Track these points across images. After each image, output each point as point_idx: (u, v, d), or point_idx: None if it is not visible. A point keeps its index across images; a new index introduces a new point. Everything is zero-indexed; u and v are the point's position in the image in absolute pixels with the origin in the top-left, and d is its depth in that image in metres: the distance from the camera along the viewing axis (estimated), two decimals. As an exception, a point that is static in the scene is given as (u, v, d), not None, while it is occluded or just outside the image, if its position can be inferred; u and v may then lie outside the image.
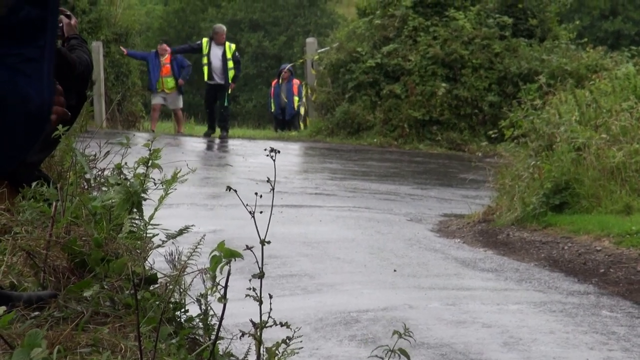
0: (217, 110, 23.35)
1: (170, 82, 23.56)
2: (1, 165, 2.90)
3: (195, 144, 22.07)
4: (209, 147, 22.08)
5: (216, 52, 22.66)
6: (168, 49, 23.94)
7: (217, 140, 23.03)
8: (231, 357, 3.53)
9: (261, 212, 3.29)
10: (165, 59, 23.52)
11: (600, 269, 10.36)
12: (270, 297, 3.29)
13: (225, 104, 23.07)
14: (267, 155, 3.25)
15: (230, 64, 22.65)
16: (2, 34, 2.72)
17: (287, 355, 3.39)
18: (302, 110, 25.70)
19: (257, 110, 39.57)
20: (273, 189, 3.25)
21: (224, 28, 23.50)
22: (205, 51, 22.75)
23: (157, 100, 23.87)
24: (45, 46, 2.80)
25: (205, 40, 23.13)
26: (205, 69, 22.83)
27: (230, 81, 22.76)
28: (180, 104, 24.17)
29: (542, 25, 24.86)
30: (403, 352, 3.15)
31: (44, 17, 2.79)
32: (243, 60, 36.72)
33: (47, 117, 2.81)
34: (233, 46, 23.13)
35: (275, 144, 20.71)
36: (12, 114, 2.73)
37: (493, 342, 7.60)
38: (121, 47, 24.23)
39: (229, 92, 23.09)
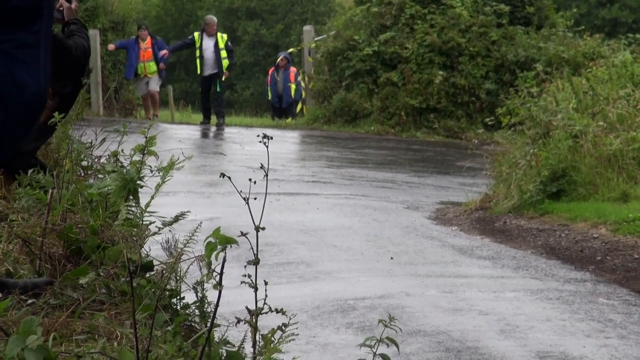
0: (211, 98, 23.33)
1: (152, 66, 23.55)
2: None
3: (191, 132, 22.05)
4: (206, 135, 22.07)
5: (208, 44, 22.67)
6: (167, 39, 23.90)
7: (214, 128, 23.01)
8: (227, 345, 3.52)
9: (255, 199, 3.28)
10: (147, 43, 23.50)
11: (597, 256, 10.37)
12: (266, 283, 3.29)
13: (218, 89, 22.99)
14: (260, 142, 3.25)
15: (223, 54, 22.64)
16: None
17: (283, 341, 3.39)
18: (303, 94, 25.64)
19: (255, 98, 39.53)
20: (266, 175, 3.24)
21: (214, 19, 23.45)
22: (197, 44, 22.77)
23: (143, 91, 23.87)
24: (40, 31, 2.79)
25: (196, 33, 23.14)
26: (198, 61, 22.86)
27: (224, 70, 22.73)
28: (157, 87, 24.14)
29: (539, 12, 24.83)
30: (391, 340, 3.14)
31: (39, 2, 2.79)
32: (240, 49, 36.68)
33: (44, 104, 2.81)
34: (225, 36, 23.11)
35: (273, 132, 20.61)
36: (9, 102, 2.72)
37: (490, 330, 7.60)
38: (108, 46, 24.13)
39: (222, 79, 23.02)
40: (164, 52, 23.72)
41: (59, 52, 5.65)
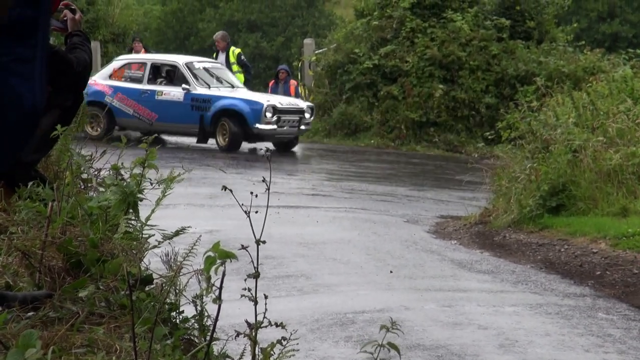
0: None
1: None
2: None
3: (193, 144, 22.04)
4: (207, 147, 22.05)
5: (221, 59, 22.70)
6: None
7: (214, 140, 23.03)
8: (227, 358, 3.52)
9: (257, 212, 3.28)
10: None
11: (597, 271, 10.36)
12: (266, 297, 3.28)
13: None
14: (263, 155, 3.27)
15: (235, 68, 22.59)
16: None
17: (283, 356, 3.38)
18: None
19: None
20: (268, 189, 3.25)
21: (220, 34, 23.42)
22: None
23: None
24: (37, 46, 2.80)
25: (215, 53, 23.34)
26: None
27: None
28: None
29: (539, 27, 24.88)
30: (392, 345, 3.12)
31: (36, 17, 2.80)
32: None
33: (39, 117, 2.82)
34: (237, 50, 23.08)
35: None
36: (5, 114, 2.73)
37: (489, 344, 7.59)
38: None
39: None
40: None
41: (61, 66, 5.65)
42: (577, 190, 12.80)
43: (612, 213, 12.23)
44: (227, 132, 19.79)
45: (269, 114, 19.69)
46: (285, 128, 20.05)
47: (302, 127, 20.65)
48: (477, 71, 23.75)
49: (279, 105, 20.11)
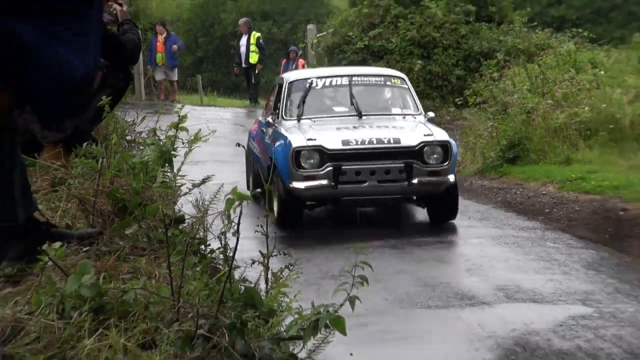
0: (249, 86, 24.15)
1: (164, 58, 23.60)
2: (56, 122, 2.88)
3: (217, 113, 21.98)
4: (233, 115, 21.99)
5: (243, 41, 23.19)
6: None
7: (241, 110, 23.08)
8: (246, 282, 3.54)
9: (268, 166, 3.29)
10: (163, 37, 23.68)
11: (546, 209, 10.38)
12: (275, 233, 3.30)
13: (253, 81, 23.78)
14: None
15: (252, 48, 23.18)
16: (54, 10, 2.67)
17: (290, 278, 3.41)
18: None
19: (268, 85, 39.38)
20: (272, 145, 3.25)
21: (244, 21, 23.79)
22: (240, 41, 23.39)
23: (159, 76, 23.88)
24: (92, 19, 2.74)
25: (239, 37, 23.71)
26: (235, 54, 23.69)
27: (256, 63, 23.12)
28: (175, 77, 24.02)
29: (500, 12, 24.70)
30: (365, 263, 3.09)
31: None
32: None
33: (91, 83, 2.79)
34: (257, 35, 23.66)
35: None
36: (61, 82, 2.70)
37: (459, 269, 7.63)
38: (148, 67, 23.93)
39: (257, 72, 23.64)
40: (174, 46, 23.81)
41: (116, 47, 5.62)
42: (530, 144, 12.80)
43: (558, 162, 12.23)
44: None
45: (310, 161, 8.27)
46: (365, 185, 8.70)
47: (418, 179, 8.95)
48: (449, 49, 23.61)
49: (331, 147, 8.53)
